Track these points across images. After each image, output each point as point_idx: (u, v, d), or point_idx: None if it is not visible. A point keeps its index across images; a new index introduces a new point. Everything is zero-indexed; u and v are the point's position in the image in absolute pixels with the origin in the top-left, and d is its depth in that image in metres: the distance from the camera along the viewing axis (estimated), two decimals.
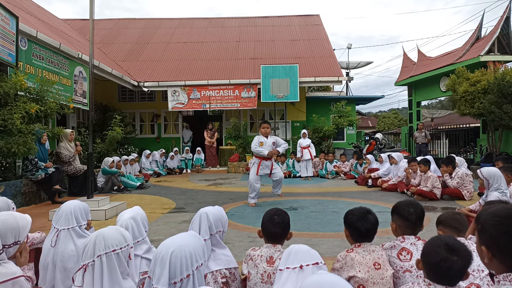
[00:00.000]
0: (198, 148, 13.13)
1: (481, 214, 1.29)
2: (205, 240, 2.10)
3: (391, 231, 2.31)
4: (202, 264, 1.50)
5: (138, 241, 2.10)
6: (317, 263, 1.56)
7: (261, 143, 6.04)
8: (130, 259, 2.01)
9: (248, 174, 6.54)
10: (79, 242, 2.13)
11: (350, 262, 1.98)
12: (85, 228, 2.26)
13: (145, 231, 2.17)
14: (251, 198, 6.14)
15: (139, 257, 2.09)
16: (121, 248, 1.59)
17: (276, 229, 2.11)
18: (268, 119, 14.94)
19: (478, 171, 4.15)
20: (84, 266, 1.53)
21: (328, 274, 1.23)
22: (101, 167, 8.22)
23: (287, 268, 1.56)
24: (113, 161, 8.34)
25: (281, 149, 6.18)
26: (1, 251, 1.64)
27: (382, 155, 8.75)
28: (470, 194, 6.39)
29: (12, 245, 1.70)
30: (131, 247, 2.06)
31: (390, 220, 2.31)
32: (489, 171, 3.95)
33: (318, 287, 1.12)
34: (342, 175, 10.26)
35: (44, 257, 2.15)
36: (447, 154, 12.26)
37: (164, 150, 12.02)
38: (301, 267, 1.54)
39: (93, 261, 1.52)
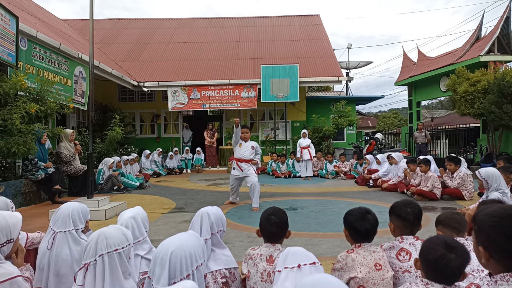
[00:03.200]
0: (198, 149, 13.12)
1: (478, 214, 1.29)
2: (206, 239, 2.10)
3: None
4: (202, 264, 1.50)
5: (138, 241, 2.10)
6: (314, 263, 1.56)
7: (240, 145, 6.17)
8: (130, 258, 2.01)
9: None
10: (74, 247, 2.11)
11: (351, 263, 1.98)
12: (83, 231, 2.23)
13: (146, 231, 2.18)
14: (230, 196, 6.43)
15: (139, 257, 2.09)
16: (123, 248, 1.59)
17: (273, 228, 2.11)
18: (268, 119, 14.97)
19: (476, 172, 4.14)
20: (86, 265, 1.53)
21: (322, 274, 1.24)
22: (99, 167, 8.17)
23: (285, 268, 1.56)
24: (113, 161, 8.34)
25: (258, 157, 6.33)
26: None
27: (378, 156, 8.74)
28: (470, 194, 6.39)
29: (5, 244, 1.70)
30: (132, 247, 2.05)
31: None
32: (488, 171, 3.94)
33: (312, 287, 1.13)
34: (342, 175, 10.26)
35: (40, 259, 2.13)
36: (447, 154, 12.27)
37: (161, 149, 11.97)
38: (299, 266, 1.54)
39: (95, 260, 1.52)
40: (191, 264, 1.43)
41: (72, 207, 2.22)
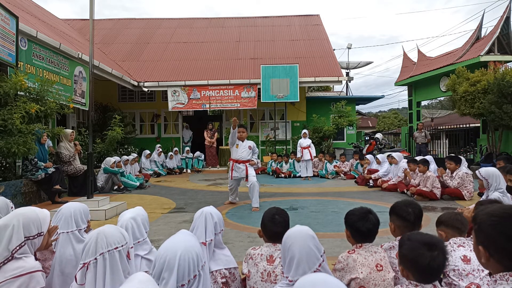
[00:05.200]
0: (197, 154, 13.08)
1: (478, 214, 1.30)
2: (211, 240, 2.10)
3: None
4: (205, 262, 1.51)
5: (138, 241, 2.10)
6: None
7: (237, 145, 6.16)
8: (130, 259, 2.00)
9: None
10: (78, 247, 2.10)
11: (352, 263, 1.98)
12: (85, 231, 2.23)
13: (146, 232, 2.17)
14: (229, 196, 6.44)
15: (140, 257, 2.09)
16: (122, 246, 1.60)
17: (278, 228, 2.11)
18: (268, 119, 14.97)
19: (477, 171, 4.14)
20: (86, 265, 1.53)
21: (322, 274, 1.24)
22: (102, 166, 8.23)
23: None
24: (115, 161, 8.36)
25: (255, 157, 6.37)
26: (23, 243, 1.69)
27: (378, 156, 8.75)
28: (470, 194, 6.39)
29: (36, 236, 1.75)
30: (131, 247, 2.05)
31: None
32: (488, 171, 3.95)
33: (311, 286, 1.13)
34: (342, 175, 10.26)
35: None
36: (447, 154, 12.27)
37: (160, 148, 11.91)
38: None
39: (95, 259, 1.52)
40: (198, 264, 1.43)
41: (74, 207, 2.21)
